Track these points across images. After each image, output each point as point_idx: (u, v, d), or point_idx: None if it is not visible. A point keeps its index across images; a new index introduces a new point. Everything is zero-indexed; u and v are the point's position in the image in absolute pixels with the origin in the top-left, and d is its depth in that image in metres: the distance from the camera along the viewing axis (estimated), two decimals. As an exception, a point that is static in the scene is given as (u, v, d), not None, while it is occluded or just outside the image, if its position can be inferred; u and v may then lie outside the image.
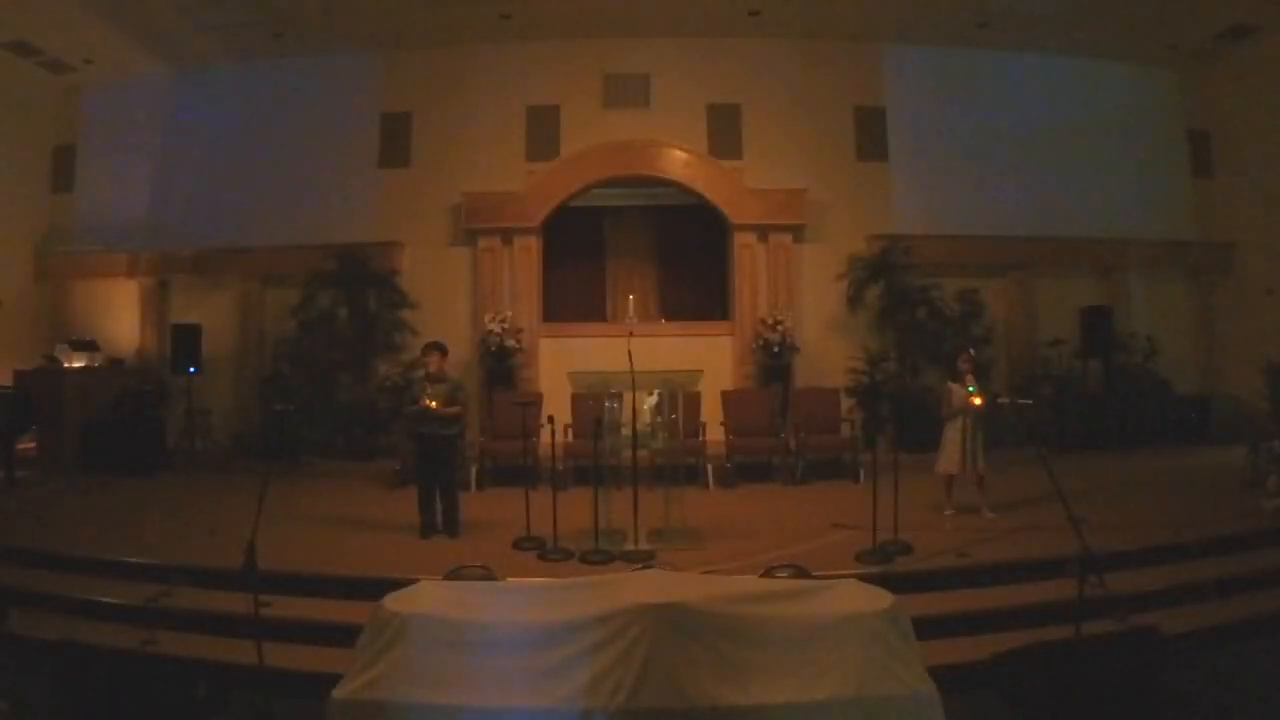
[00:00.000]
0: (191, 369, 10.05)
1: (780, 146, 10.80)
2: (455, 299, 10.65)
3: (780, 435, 8.89)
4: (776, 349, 9.95)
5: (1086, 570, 3.89)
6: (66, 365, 9.91)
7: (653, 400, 6.64)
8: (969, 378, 6.58)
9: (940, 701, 3.22)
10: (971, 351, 7.10)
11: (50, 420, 9.44)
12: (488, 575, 4.50)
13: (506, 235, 10.58)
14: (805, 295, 10.64)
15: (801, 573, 4.42)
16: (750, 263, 10.56)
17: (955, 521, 6.41)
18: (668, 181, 10.65)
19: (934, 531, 6.07)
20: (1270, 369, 8.54)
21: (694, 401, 8.45)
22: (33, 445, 9.64)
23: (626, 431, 6.40)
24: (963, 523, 6.37)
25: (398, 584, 3.97)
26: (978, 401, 6.44)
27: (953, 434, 6.59)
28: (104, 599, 5.12)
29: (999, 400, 6.68)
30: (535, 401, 8.67)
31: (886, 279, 10.21)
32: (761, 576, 4.32)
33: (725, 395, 9.18)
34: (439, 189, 10.71)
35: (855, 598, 3.55)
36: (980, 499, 6.59)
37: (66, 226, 11.40)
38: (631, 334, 6.53)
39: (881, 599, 3.50)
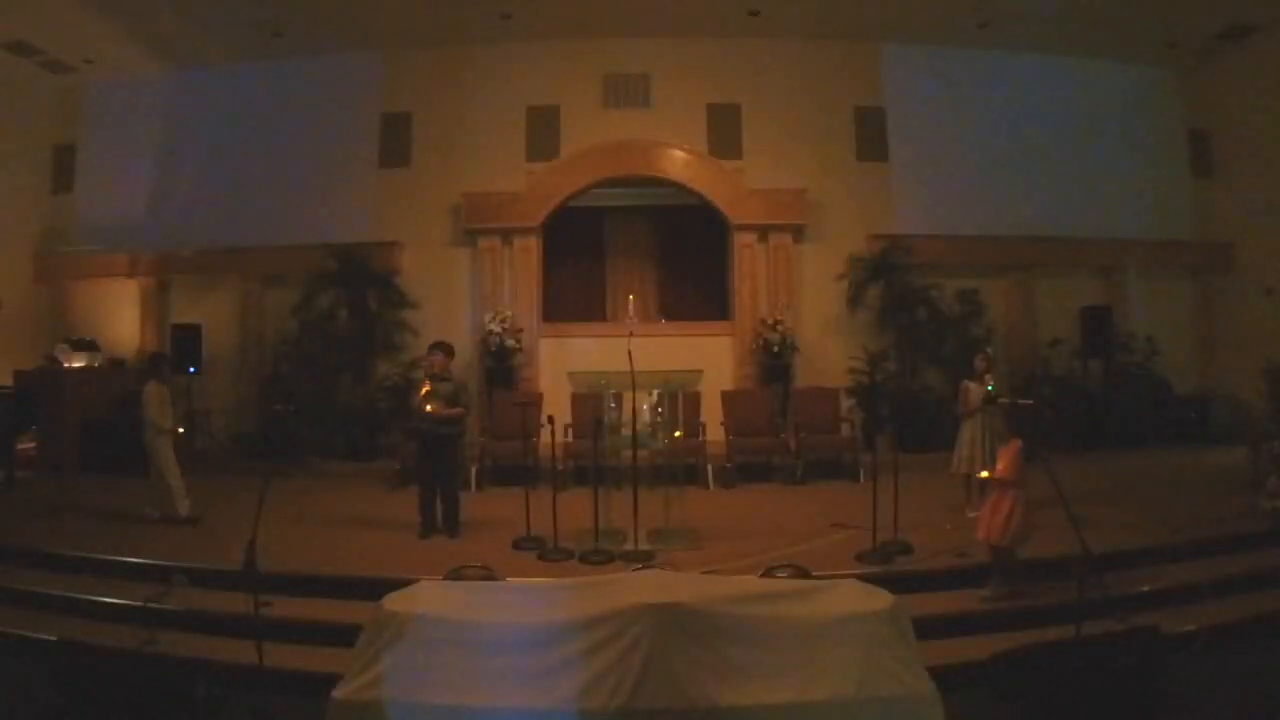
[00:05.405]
0: (191, 369, 10.04)
1: (780, 146, 10.79)
2: (455, 299, 10.66)
3: (780, 435, 8.89)
4: (776, 349, 9.95)
5: (1086, 570, 3.89)
6: (66, 365, 9.91)
7: (652, 400, 6.64)
8: (987, 377, 6.60)
9: (940, 701, 3.22)
10: (989, 350, 7.13)
11: (50, 420, 9.44)
12: (488, 575, 4.50)
13: (506, 235, 10.58)
14: (805, 295, 10.63)
15: (801, 573, 4.42)
16: (750, 263, 10.55)
17: (956, 521, 6.40)
18: (668, 181, 10.64)
19: (934, 531, 6.06)
20: (1270, 369, 8.52)
21: (694, 401, 8.46)
22: (33, 445, 9.64)
23: (626, 431, 6.40)
24: (963, 522, 6.36)
25: (398, 584, 3.98)
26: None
27: (969, 433, 6.57)
28: (104, 599, 5.13)
29: (999, 400, 6.67)
30: (535, 401, 8.68)
31: (886, 279, 10.21)
32: (761, 576, 4.32)
33: (725, 395, 9.18)
34: (439, 189, 10.70)
35: (855, 598, 3.56)
36: (979, 498, 6.59)
37: (66, 226, 11.40)
38: (631, 334, 6.53)
39: (881, 599, 3.50)
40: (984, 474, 5.14)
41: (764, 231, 10.55)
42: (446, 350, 6.71)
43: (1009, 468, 4.98)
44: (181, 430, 7.02)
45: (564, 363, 8.87)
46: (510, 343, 9.92)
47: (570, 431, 8.12)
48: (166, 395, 6.96)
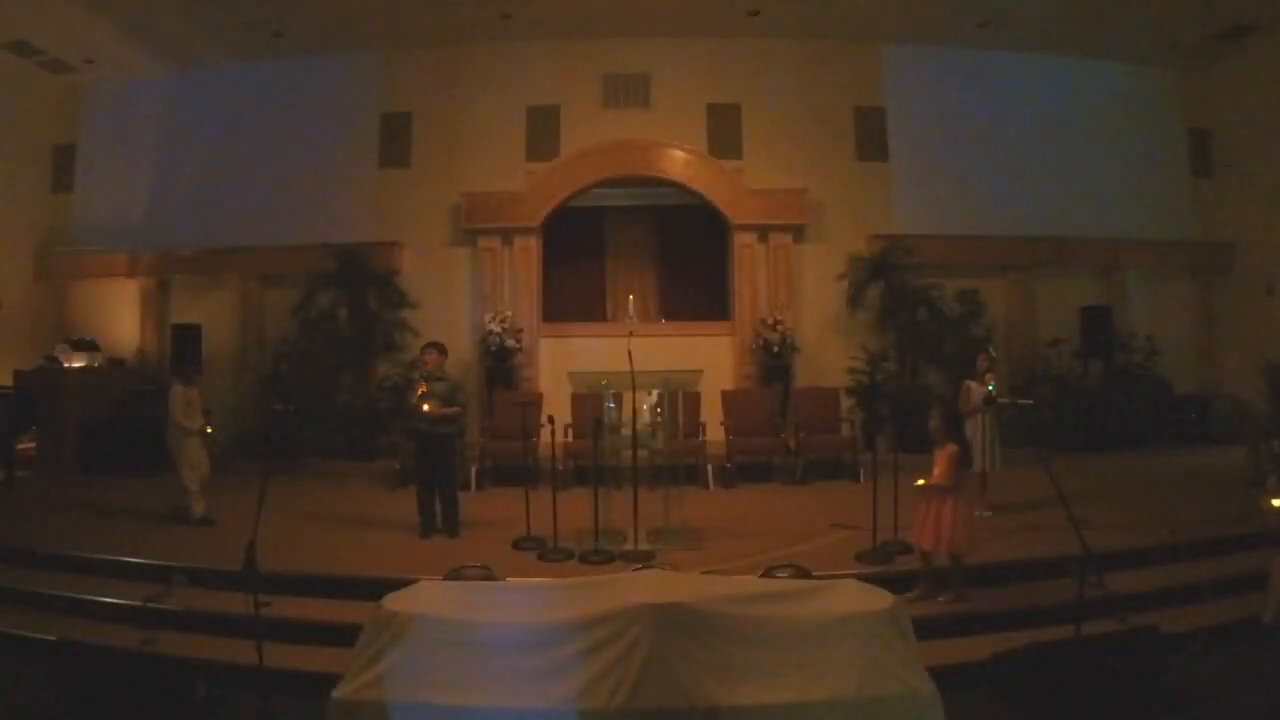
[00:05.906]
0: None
1: (780, 146, 10.79)
2: (455, 299, 10.66)
3: (780, 435, 8.89)
4: (776, 349, 9.95)
5: (1086, 570, 3.89)
6: (66, 365, 9.90)
7: (652, 400, 6.64)
8: (989, 376, 6.61)
9: (940, 701, 3.22)
10: (991, 351, 7.15)
11: (50, 420, 9.44)
12: (488, 575, 4.50)
13: (506, 235, 10.58)
14: (805, 295, 10.63)
15: (801, 573, 4.42)
16: (750, 263, 10.55)
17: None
18: (668, 181, 10.64)
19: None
20: (1270, 369, 8.53)
21: (694, 401, 8.46)
22: (33, 445, 9.64)
23: (626, 431, 6.39)
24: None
25: (398, 584, 3.98)
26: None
27: (970, 433, 6.56)
28: (104, 599, 5.13)
29: (999, 400, 6.69)
30: (535, 401, 8.68)
31: (886, 279, 10.21)
32: (761, 576, 4.32)
33: (725, 395, 9.18)
34: (439, 189, 10.70)
35: (855, 598, 3.56)
36: (981, 498, 6.59)
37: (66, 226, 11.41)
38: (631, 334, 6.53)
39: (881, 599, 3.50)
40: (920, 482, 4.98)
41: (764, 231, 10.55)
42: (441, 349, 6.71)
43: (945, 474, 4.91)
44: (210, 430, 7.22)
45: (564, 363, 8.88)
46: (510, 343, 9.92)
47: (570, 431, 8.11)
48: (193, 397, 7.15)
